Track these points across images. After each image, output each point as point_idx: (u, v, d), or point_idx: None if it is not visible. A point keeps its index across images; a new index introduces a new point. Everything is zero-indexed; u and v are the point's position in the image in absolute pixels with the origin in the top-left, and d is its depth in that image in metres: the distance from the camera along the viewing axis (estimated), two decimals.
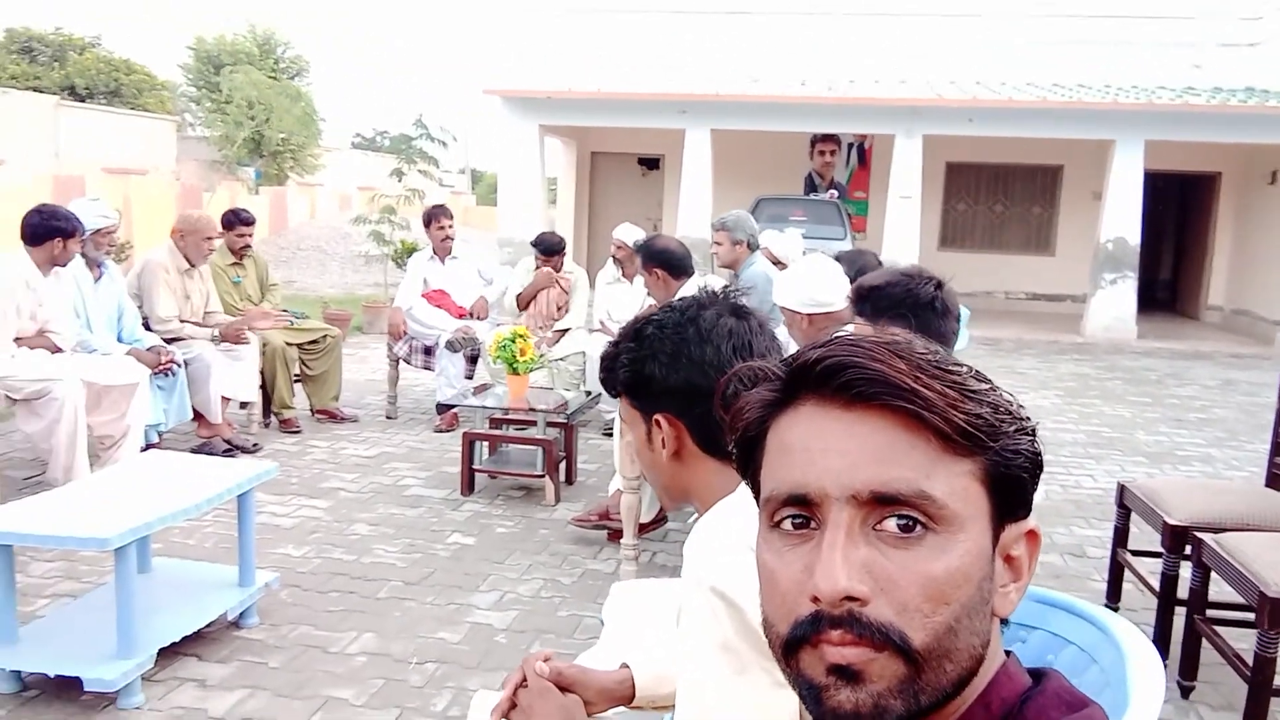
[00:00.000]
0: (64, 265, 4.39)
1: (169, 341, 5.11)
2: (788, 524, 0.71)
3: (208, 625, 3.17)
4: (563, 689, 1.38)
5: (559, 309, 6.23)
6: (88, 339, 4.64)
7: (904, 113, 11.85)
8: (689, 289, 4.18)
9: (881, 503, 0.68)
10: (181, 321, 5.31)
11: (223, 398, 5.29)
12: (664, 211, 14.60)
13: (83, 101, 25.65)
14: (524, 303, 6.25)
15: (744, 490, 1.23)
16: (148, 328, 5.13)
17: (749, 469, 0.78)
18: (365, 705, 2.83)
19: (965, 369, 0.73)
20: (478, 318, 6.29)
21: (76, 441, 4.17)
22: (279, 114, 21.09)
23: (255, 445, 5.42)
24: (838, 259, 3.81)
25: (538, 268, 6.25)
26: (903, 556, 0.67)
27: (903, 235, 11.96)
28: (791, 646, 0.69)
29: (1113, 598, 3.61)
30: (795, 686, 0.70)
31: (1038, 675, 0.78)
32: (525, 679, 1.37)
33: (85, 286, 4.73)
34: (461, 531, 4.33)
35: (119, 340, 4.90)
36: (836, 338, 0.74)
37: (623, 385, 1.40)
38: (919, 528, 0.68)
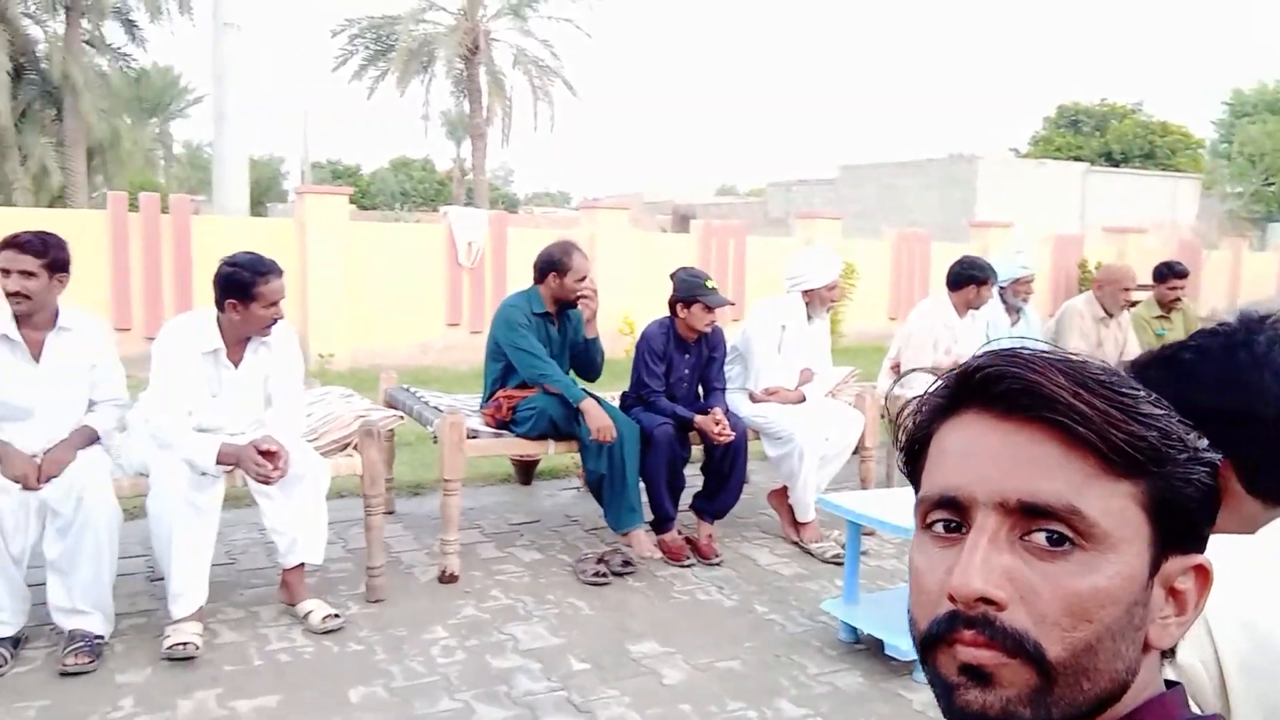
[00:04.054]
0: (978, 308, 5.07)
1: None
2: (939, 526, 0.73)
3: None
4: None
5: None
6: None
7: None
8: None
9: (1030, 514, 0.68)
10: None
11: None
12: None
13: (1116, 166, 26.97)
14: None
15: (1266, 532, 1.15)
16: None
17: (914, 472, 0.80)
18: None
19: (1143, 393, 0.71)
20: None
21: None
22: None
23: None
24: None
25: None
26: (1047, 569, 0.68)
27: None
28: (929, 643, 0.71)
29: None
30: (931, 685, 0.73)
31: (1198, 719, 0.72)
32: None
33: (1001, 329, 5.35)
34: None
35: None
36: (1004, 349, 0.75)
37: None
38: (1068, 543, 0.68)
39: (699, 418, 4.27)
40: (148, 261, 8.99)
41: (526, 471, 5.48)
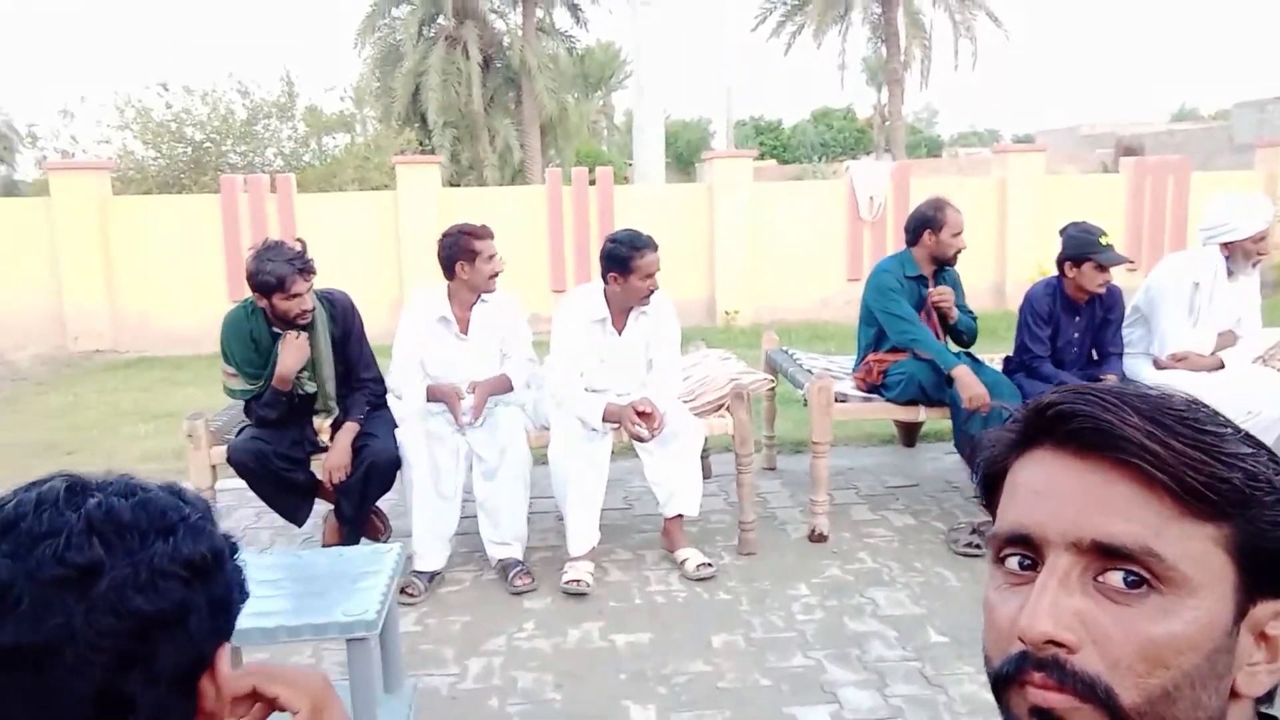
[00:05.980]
0: None
1: None
2: (1012, 563, 0.71)
3: None
4: None
5: None
6: None
7: None
8: None
9: (1105, 554, 0.66)
10: None
11: None
12: None
13: None
14: None
15: None
16: None
17: (991, 504, 0.78)
18: None
19: (1229, 431, 0.67)
20: None
21: None
22: None
23: None
24: None
25: None
26: (1121, 612, 0.66)
27: None
28: (1000, 682, 0.70)
29: None
30: None
31: None
32: None
33: None
34: None
35: None
36: (1078, 385, 0.72)
37: None
38: (1145, 586, 0.65)
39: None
40: (578, 230, 10.00)
41: (910, 433, 5.41)
